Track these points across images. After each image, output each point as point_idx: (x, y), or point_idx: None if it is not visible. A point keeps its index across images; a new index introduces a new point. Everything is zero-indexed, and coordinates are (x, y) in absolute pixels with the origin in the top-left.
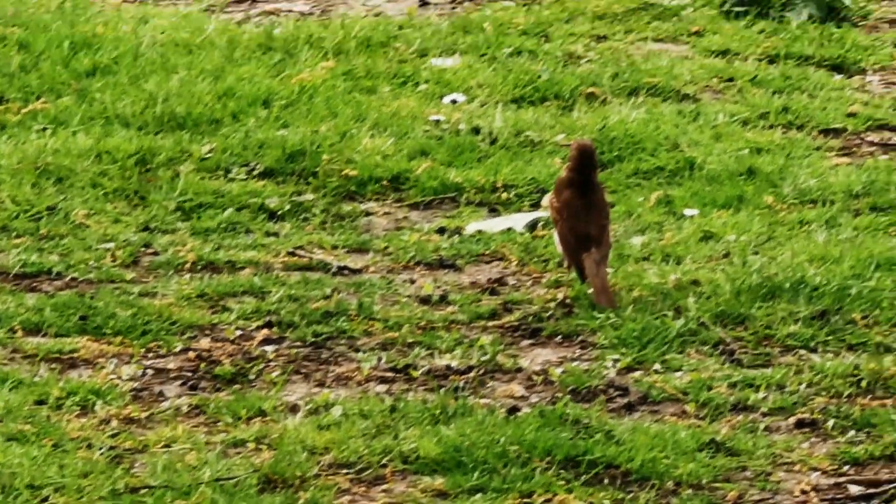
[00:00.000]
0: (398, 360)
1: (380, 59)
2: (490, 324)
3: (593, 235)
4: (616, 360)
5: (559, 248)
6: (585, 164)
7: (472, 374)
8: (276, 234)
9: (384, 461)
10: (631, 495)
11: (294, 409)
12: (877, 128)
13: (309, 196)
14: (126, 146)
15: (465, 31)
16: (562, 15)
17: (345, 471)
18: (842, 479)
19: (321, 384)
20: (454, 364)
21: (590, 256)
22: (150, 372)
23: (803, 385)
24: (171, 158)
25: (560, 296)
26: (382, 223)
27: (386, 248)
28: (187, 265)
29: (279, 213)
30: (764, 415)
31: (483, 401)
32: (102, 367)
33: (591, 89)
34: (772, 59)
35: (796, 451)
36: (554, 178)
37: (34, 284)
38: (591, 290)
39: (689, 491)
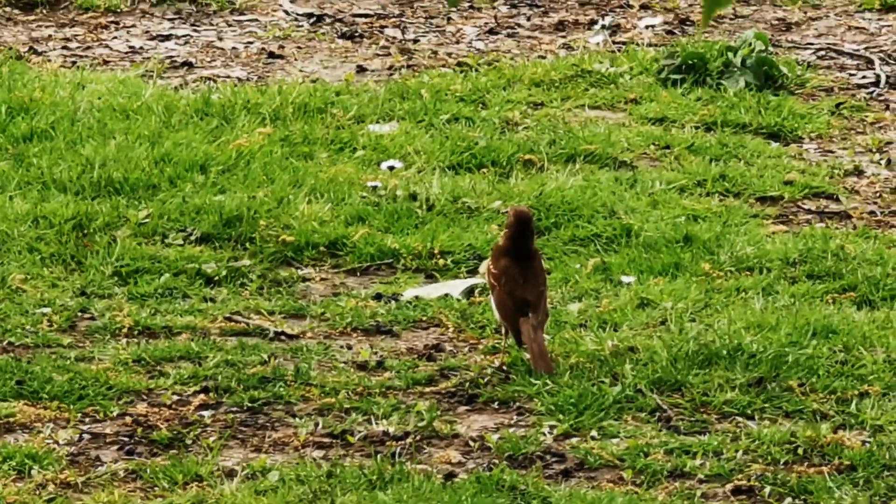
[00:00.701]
0: (335, 425)
1: (317, 125)
2: (427, 390)
3: (531, 301)
4: (553, 427)
5: (496, 315)
6: (523, 230)
7: (408, 440)
8: (212, 300)
9: None
10: None
11: (231, 474)
12: (813, 195)
13: (246, 261)
14: (63, 211)
15: (403, 97)
16: (499, 82)
17: None
18: None
19: (258, 449)
20: (391, 430)
21: (527, 322)
22: (86, 437)
23: (740, 452)
24: (108, 223)
25: (497, 362)
26: (319, 289)
27: (323, 313)
28: (124, 330)
29: (216, 278)
30: (701, 482)
31: (420, 467)
32: (39, 432)
33: (528, 156)
34: (709, 127)
35: None
36: (491, 244)
37: None
38: (528, 356)
39: None
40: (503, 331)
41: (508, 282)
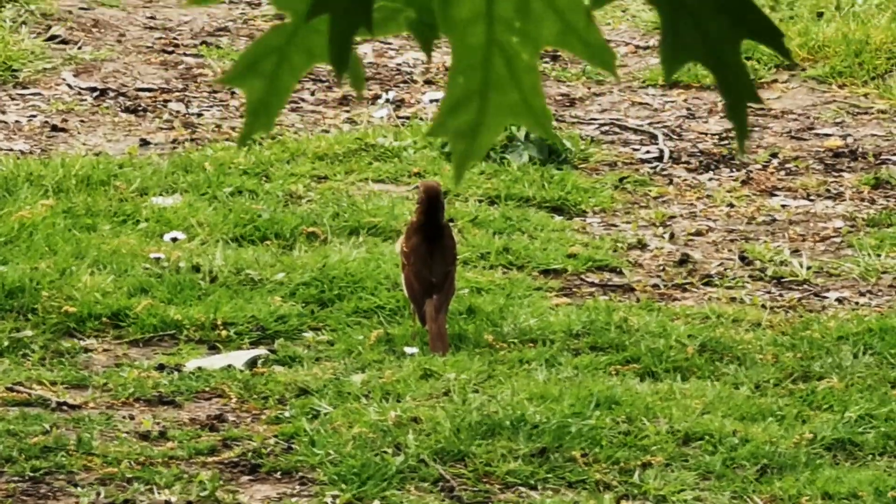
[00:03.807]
0: (117, 494)
1: (100, 198)
2: (209, 459)
3: (436, 283)
4: (335, 497)
5: (406, 293)
6: (432, 205)
7: None
8: None
9: None
10: None
11: None
12: (597, 269)
13: (28, 332)
14: None
15: (186, 170)
16: (283, 155)
17: None
18: None
19: None
20: (173, 499)
21: (431, 303)
22: None
23: None
24: None
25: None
26: (102, 359)
27: (105, 384)
28: None
29: None
30: None
31: None
32: None
33: (311, 228)
34: (492, 201)
35: None
36: (274, 316)
37: None
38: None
39: None
40: (410, 309)
41: (417, 261)
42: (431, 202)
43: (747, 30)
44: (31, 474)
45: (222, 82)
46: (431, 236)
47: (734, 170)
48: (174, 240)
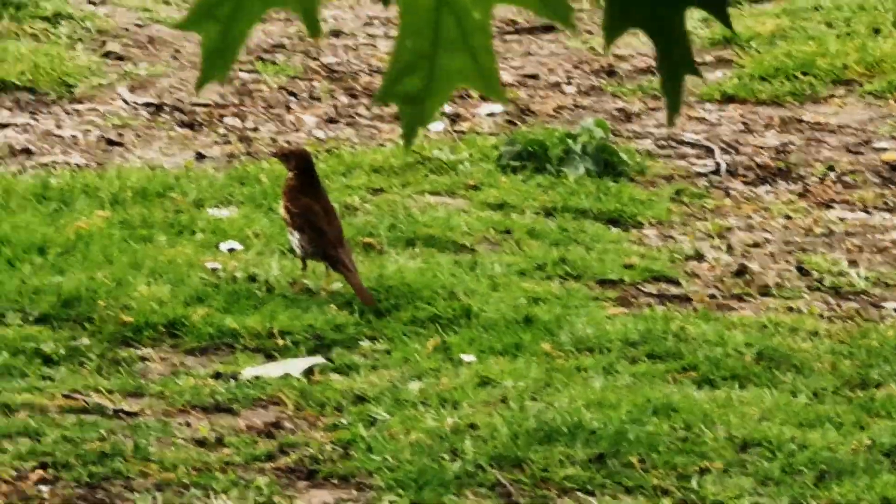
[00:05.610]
0: (174, 500)
1: (156, 209)
2: (266, 465)
3: (339, 237)
4: (393, 502)
5: (298, 252)
6: (309, 166)
7: None
8: (51, 378)
9: None
10: None
11: None
12: (654, 279)
13: (85, 341)
14: None
15: (242, 182)
16: (339, 168)
17: None
18: None
19: None
20: None
21: (344, 255)
22: None
23: None
24: None
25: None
26: (158, 368)
27: (162, 392)
28: None
29: (55, 357)
30: None
31: None
32: None
33: (367, 239)
34: (549, 212)
35: None
36: (330, 325)
37: None
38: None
39: None
40: (302, 266)
41: (314, 218)
42: (308, 164)
43: None
44: (88, 480)
45: (179, 27)
46: (318, 196)
47: (791, 183)
48: (230, 250)
